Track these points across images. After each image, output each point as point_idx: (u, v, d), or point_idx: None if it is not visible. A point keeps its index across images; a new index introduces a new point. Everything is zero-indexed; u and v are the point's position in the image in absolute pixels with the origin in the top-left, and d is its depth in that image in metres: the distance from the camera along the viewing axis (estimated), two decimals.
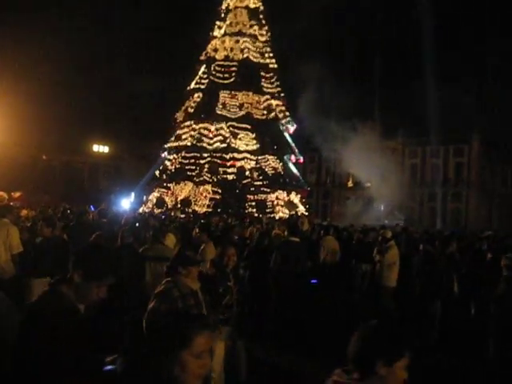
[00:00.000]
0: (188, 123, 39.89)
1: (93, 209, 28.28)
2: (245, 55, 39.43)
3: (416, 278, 9.01)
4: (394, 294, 10.18)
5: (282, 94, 40.89)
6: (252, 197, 36.64)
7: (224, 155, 37.55)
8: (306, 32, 36.18)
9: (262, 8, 41.85)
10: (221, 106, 38.42)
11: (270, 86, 40.30)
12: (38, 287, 7.67)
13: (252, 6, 41.29)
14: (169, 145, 40.44)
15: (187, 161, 38.17)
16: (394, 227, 18.24)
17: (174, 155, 39.52)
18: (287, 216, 35.43)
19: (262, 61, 40.34)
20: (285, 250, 8.92)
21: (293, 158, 40.77)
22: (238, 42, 40.08)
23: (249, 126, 38.27)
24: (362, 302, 11.22)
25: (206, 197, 36.29)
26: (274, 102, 40.06)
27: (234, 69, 39.32)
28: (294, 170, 40.52)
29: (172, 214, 30.59)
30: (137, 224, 13.09)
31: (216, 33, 41.14)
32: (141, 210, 35.85)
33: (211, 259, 6.09)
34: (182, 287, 4.07)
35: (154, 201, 38.22)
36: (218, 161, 37.42)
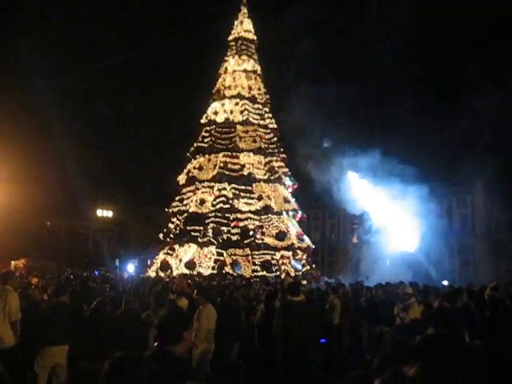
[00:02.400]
0: (190, 186, 40.19)
1: (97, 274, 28.18)
2: (244, 117, 40.11)
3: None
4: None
5: (284, 155, 41.38)
6: (257, 257, 36.46)
7: (227, 215, 37.62)
8: (303, 85, 36.62)
9: (260, 71, 42.92)
10: (223, 168, 38.78)
11: (270, 145, 40.80)
12: (55, 355, 7.55)
13: (250, 69, 42.33)
14: (172, 207, 40.60)
15: (190, 222, 38.19)
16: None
17: (178, 217, 39.59)
18: (294, 275, 35.18)
19: (261, 122, 41.01)
20: (286, 311, 8.45)
21: (296, 215, 40.77)
22: (237, 104, 40.84)
23: (251, 187, 38.54)
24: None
25: (210, 258, 36.13)
26: (275, 162, 40.45)
27: (234, 130, 39.94)
28: (298, 228, 40.46)
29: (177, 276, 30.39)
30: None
31: (215, 96, 42.00)
32: (147, 274, 35.69)
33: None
34: None
35: (159, 264, 38.01)
36: (222, 221, 37.45)
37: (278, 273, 34.67)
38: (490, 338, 7.94)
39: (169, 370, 3.18)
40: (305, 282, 28.21)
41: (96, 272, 31.41)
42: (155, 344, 3.69)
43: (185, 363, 3.63)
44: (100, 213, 61.36)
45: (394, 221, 47.30)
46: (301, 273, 36.24)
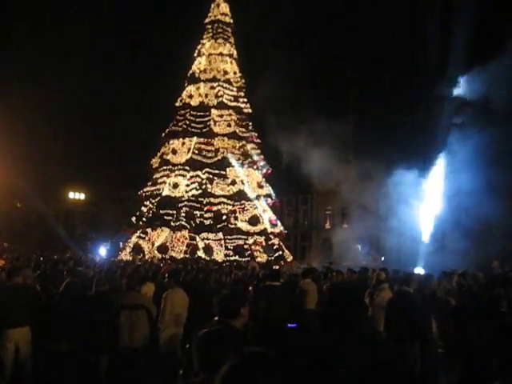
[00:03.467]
0: (164, 169, 40.00)
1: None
2: (219, 100, 39.91)
3: (390, 320, 8.76)
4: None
5: (258, 140, 41.30)
6: (230, 241, 36.53)
7: (201, 199, 37.57)
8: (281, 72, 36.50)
9: (236, 54, 42.65)
10: (196, 152, 38.64)
11: (244, 130, 40.71)
12: (14, 337, 7.51)
13: (226, 52, 42.04)
14: (145, 191, 40.37)
15: (163, 206, 38.07)
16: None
17: (151, 201, 39.40)
18: (265, 260, 35.37)
19: (236, 106, 40.84)
20: (267, 295, 8.64)
21: (269, 201, 40.85)
22: (212, 87, 40.61)
23: (224, 172, 38.51)
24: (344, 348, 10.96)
25: (182, 242, 36.08)
26: (249, 147, 40.41)
27: (208, 114, 39.75)
28: (271, 213, 40.57)
29: (149, 260, 30.34)
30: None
31: (190, 79, 41.67)
32: (119, 258, 35.54)
33: None
34: None
35: (131, 247, 37.85)
36: (195, 205, 37.40)
37: (250, 258, 34.80)
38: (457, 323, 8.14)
39: (230, 341, 3.53)
40: (276, 267, 28.42)
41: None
42: (216, 318, 4.39)
43: (244, 336, 4.39)
44: (72, 195, 60.85)
45: (366, 202, 47.54)
46: (273, 258, 36.43)
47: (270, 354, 2.20)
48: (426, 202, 56.60)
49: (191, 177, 38.36)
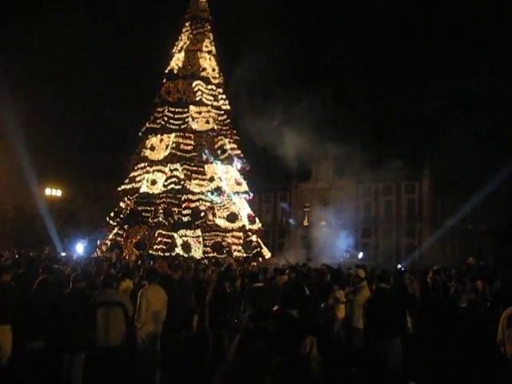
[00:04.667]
0: (142, 165, 39.73)
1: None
2: (197, 98, 39.73)
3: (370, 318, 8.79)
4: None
5: (236, 137, 41.20)
6: (208, 238, 36.47)
7: (179, 196, 37.40)
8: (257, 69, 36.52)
9: (214, 51, 42.50)
10: (174, 148, 38.44)
11: (223, 127, 40.59)
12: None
13: (205, 49, 41.87)
14: (123, 187, 40.08)
15: (141, 203, 37.86)
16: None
17: (129, 197, 39.17)
18: (244, 257, 35.42)
19: (215, 103, 40.73)
20: (253, 295, 8.76)
21: (248, 197, 40.85)
22: (190, 84, 40.41)
23: (203, 168, 38.39)
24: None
25: (161, 239, 35.91)
26: (227, 144, 40.30)
27: (187, 111, 39.56)
28: (249, 210, 40.58)
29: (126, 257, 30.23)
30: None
31: (169, 75, 41.43)
32: (95, 255, 35.29)
33: None
34: None
35: (109, 244, 37.59)
36: (173, 202, 37.23)
37: (227, 254, 34.79)
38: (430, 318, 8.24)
39: (289, 327, 4.26)
40: (254, 264, 28.62)
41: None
42: (275, 307, 5.00)
43: (303, 322, 4.82)
44: (48, 191, 60.16)
45: (346, 199, 47.87)
46: (251, 255, 36.48)
47: (265, 326, 3.28)
48: (404, 199, 57.21)
49: (169, 174, 38.16)
